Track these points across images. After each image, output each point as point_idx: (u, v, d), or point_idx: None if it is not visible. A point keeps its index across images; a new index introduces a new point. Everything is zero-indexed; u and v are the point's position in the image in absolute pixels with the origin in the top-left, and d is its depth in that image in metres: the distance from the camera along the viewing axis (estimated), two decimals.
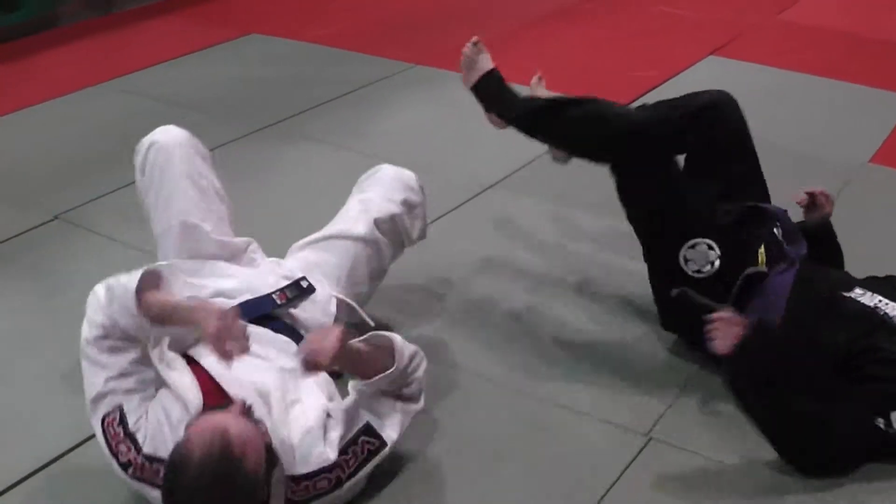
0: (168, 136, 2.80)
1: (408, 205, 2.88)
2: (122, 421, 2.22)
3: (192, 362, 2.36)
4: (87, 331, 2.28)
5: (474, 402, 2.73)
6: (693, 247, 2.67)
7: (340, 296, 2.71)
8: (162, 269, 2.33)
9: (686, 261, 2.68)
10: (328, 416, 2.30)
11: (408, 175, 2.94)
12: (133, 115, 4.66)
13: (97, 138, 4.46)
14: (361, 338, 2.36)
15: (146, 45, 5.65)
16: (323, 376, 2.43)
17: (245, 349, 2.21)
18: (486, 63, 3.07)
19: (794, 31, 5.78)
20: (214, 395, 2.25)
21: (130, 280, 2.24)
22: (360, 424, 2.29)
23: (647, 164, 2.74)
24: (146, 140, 2.81)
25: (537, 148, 3.14)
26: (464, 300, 3.18)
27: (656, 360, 2.92)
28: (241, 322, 2.24)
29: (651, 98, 4.67)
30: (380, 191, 2.87)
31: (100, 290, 2.30)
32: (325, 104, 4.70)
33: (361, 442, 2.28)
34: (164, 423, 2.20)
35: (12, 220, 3.72)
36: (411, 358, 2.37)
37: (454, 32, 5.74)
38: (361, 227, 2.79)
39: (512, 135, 3.01)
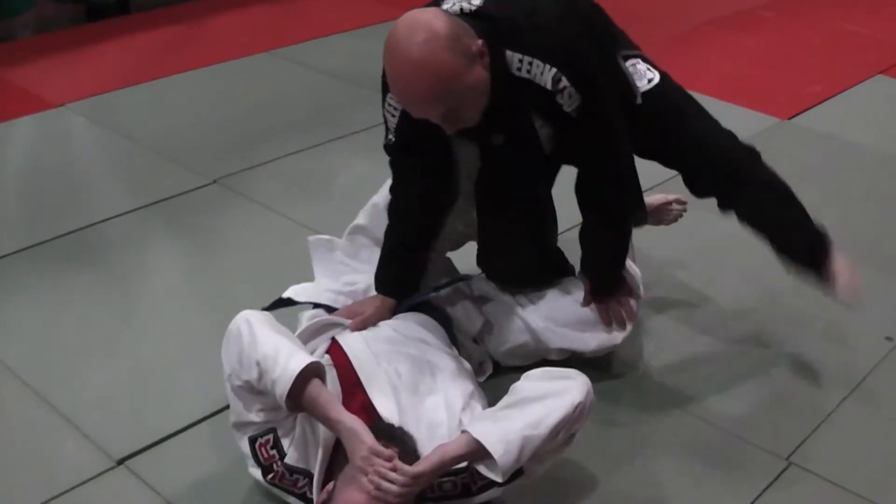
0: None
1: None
2: (277, 445, 2.18)
3: (334, 342, 2.38)
4: (229, 374, 2.18)
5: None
6: None
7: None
8: (316, 364, 2.13)
9: None
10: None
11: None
12: (298, 87, 4.73)
13: (260, 105, 4.52)
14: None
15: (316, 17, 5.70)
16: (465, 368, 2.42)
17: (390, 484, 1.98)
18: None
19: None
20: (349, 378, 2.25)
21: (286, 370, 2.07)
22: None
23: None
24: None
25: None
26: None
27: (805, 378, 2.83)
28: (390, 454, 2.01)
29: (816, 114, 4.58)
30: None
31: (245, 333, 2.16)
32: None
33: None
34: (310, 438, 2.17)
35: (174, 180, 3.79)
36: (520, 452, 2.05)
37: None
38: None
39: None
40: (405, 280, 2.61)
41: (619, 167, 2.53)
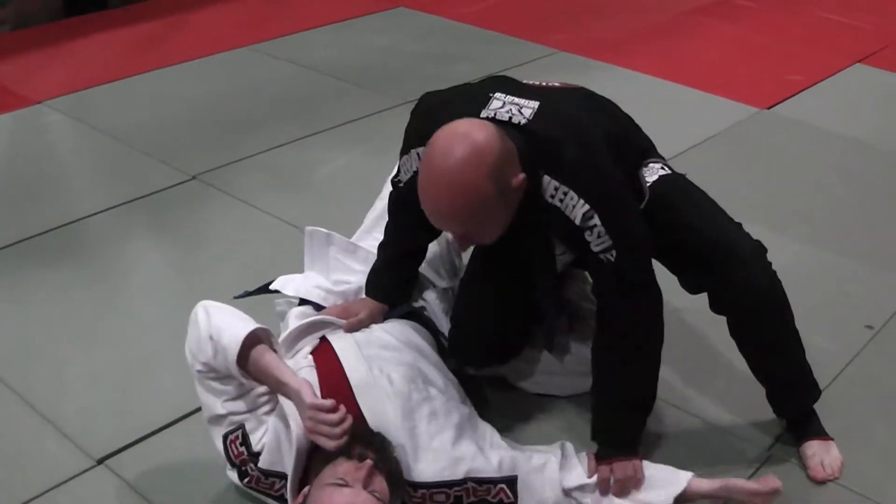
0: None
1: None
2: (245, 441, 2.18)
3: (325, 341, 2.34)
4: (192, 362, 2.18)
5: None
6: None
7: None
8: (265, 331, 2.16)
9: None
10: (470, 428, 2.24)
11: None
12: (276, 81, 4.72)
13: (240, 100, 4.51)
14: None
15: (296, 11, 5.69)
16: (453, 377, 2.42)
17: (341, 434, 2.03)
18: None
19: None
20: (339, 384, 2.21)
21: (235, 335, 2.09)
22: (506, 473, 2.19)
23: None
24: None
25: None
26: None
27: None
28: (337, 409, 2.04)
29: (795, 104, 4.59)
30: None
31: (201, 317, 2.16)
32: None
33: (498, 489, 2.17)
34: (284, 440, 2.15)
35: (153, 175, 3.78)
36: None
37: (603, 21, 5.71)
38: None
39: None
40: (397, 287, 2.56)
41: (644, 308, 2.28)
